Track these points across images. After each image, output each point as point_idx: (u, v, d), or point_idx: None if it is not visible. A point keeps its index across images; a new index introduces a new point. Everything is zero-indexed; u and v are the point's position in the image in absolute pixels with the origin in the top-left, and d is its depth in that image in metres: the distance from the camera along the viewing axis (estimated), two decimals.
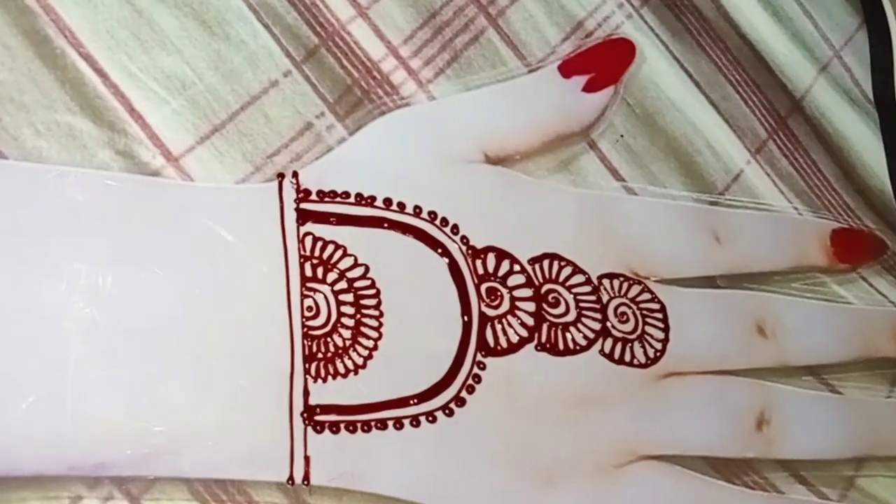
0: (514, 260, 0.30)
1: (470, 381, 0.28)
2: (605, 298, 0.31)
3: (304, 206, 0.28)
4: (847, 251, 0.35)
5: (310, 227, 0.28)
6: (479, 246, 0.30)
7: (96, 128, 0.26)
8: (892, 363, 0.35)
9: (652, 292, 0.32)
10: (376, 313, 0.28)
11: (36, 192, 0.25)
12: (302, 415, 0.26)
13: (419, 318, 0.28)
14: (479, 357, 0.29)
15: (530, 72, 0.32)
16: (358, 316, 0.28)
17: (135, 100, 0.27)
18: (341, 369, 0.27)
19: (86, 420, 0.24)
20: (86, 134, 0.26)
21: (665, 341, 0.31)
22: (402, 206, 0.29)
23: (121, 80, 0.27)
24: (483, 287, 0.29)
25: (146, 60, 0.27)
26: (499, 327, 0.29)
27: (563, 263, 0.31)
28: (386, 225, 0.29)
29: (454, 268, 0.29)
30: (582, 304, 0.31)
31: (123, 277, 0.25)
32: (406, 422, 0.27)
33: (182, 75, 0.27)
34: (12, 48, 0.26)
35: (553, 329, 0.30)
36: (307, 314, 0.27)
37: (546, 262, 0.30)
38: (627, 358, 0.31)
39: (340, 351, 0.27)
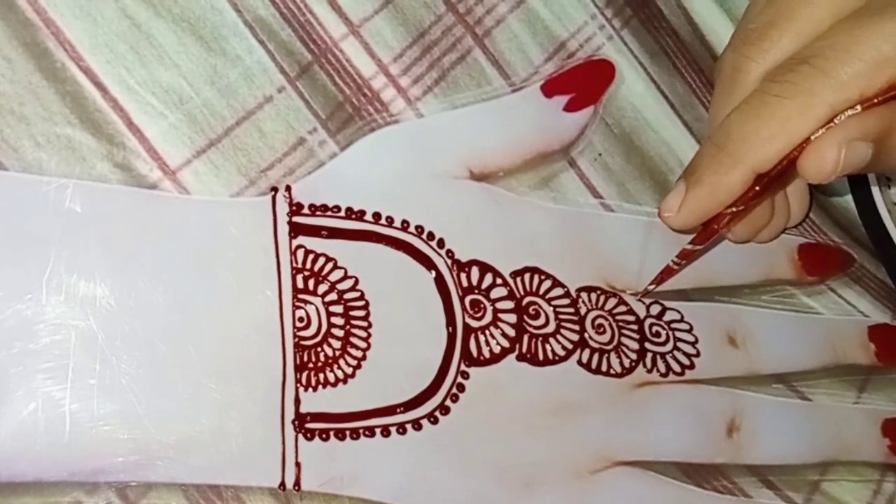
0: (496, 273, 0.31)
1: (454, 391, 0.29)
2: (583, 311, 0.32)
3: (296, 219, 0.29)
4: (814, 264, 0.36)
5: (302, 239, 0.28)
6: (464, 259, 0.31)
7: (95, 140, 0.27)
8: (860, 370, 0.36)
9: (627, 304, 0.33)
10: (365, 324, 0.29)
11: (35, 204, 0.26)
12: (293, 422, 0.27)
13: (406, 329, 0.29)
14: (462, 367, 0.30)
15: (514, 91, 0.33)
16: (347, 327, 0.28)
17: (133, 113, 0.27)
18: (331, 378, 0.28)
19: (84, 427, 0.25)
20: (85, 146, 0.26)
21: (640, 352, 0.33)
22: (390, 220, 0.30)
23: (120, 94, 0.27)
24: (467, 299, 0.30)
25: (144, 74, 0.27)
26: (482, 338, 0.30)
27: (543, 277, 0.32)
28: (375, 238, 0.30)
29: (440, 281, 0.30)
30: (561, 316, 0.32)
31: (120, 288, 0.26)
32: (393, 429, 0.28)
33: (179, 90, 0.28)
34: (13, 61, 0.26)
35: (533, 340, 0.31)
36: (299, 325, 0.28)
37: (527, 276, 0.32)
38: (604, 368, 0.32)
39: (330, 361, 0.28)
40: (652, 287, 0.33)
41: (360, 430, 0.28)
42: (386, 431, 0.28)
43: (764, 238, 0.35)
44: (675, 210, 0.30)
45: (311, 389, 0.27)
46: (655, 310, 0.33)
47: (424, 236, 0.30)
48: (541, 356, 0.31)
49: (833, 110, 0.27)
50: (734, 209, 0.30)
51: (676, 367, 0.33)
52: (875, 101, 0.27)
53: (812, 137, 0.28)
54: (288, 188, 0.29)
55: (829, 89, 0.27)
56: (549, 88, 0.33)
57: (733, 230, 0.33)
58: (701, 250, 0.33)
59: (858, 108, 0.27)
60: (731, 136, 0.29)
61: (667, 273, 0.33)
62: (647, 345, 0.33)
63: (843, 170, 0.28)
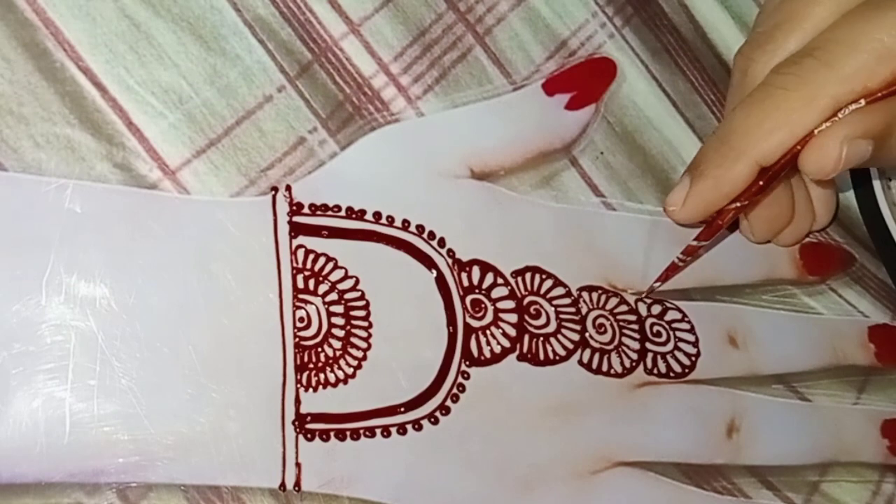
0: (497, 273, 0.31)
1: (454, 391, 0.29)
2: (584, 310, 0.32)
3: (296, 219, 0.28)
4: (815, 264, 0.36)
5: (302, 239, 0.28)
6: (465, 259, 0.31)
7: (95, 140, 0.27)
8: (860, 370, 0.36)
9: (629, 304, 0.33)
10: (365, 324, 0.29)
11: (35, 204, 0.25)
12: (293, 423, 0.27)
13: (407, 329, 0.29)
14: (463, 367, 0.30)
15: (515, 89, 0.33)
16: (348, 327, 0.28)
17: (133, 113, 0.27)
18: (331, 379, 0.28)
19: (85, 428, 0.25)
20: (84, 146, 0.26)
21: (641, 352, 0.33)
22: (391, 219, 0.30)
23: (119, 94, 0.27)
24: (468, 299, 0.30)
25: (144, 74, 0.27)
26: (483, 338, 0.30)
27: (544, 276, 0.32)
28: (375, 238, 0.29)
29: (441, 280, 0.30)
30: (562, 316, 0.32)
31: (120, 288, 0.26)
32: (393, 430, 0.28)
33: (179, 89, 0.28)
34: (12, 61, 0.26)
35: (534, 340, 0.31)
36: (299, 325, 0.28)
37: (528, 275, 0.32)
38: (605, 368, 0.32)
39: (331, 361, 0.28)
40: (657, 284, 0.33)
41: (361, 431, 0.28)
42: (386, 432, 0.28)
43: (787, 241, 0.35)
44: (680, 204, 0.31)
45: (311, 390, 0.27)
46: (657, 309, 0.33)
47: (425, 236, 0.30)
48: (541, 356, 0.31)
49: (837, 103, 0.28)
50: (738, 204, 0.30)
51: (677, 367, 0.33)
52: (879, 94, 0.27)
53: (815, 131, 0.28)
54: (288, 188, 0.29)
55: (833, 81, 0.27)
56: (551, 87, 0.33)
57: (753, 230, 0.34)
58: (706, 246, 0.33)
59: (862, 101, 0.28)
60: (734, 129, 0.29)
61: (672, 270, 0.33)
62: (648, 345, 0.33)
63: (844, 166, 0.28)
